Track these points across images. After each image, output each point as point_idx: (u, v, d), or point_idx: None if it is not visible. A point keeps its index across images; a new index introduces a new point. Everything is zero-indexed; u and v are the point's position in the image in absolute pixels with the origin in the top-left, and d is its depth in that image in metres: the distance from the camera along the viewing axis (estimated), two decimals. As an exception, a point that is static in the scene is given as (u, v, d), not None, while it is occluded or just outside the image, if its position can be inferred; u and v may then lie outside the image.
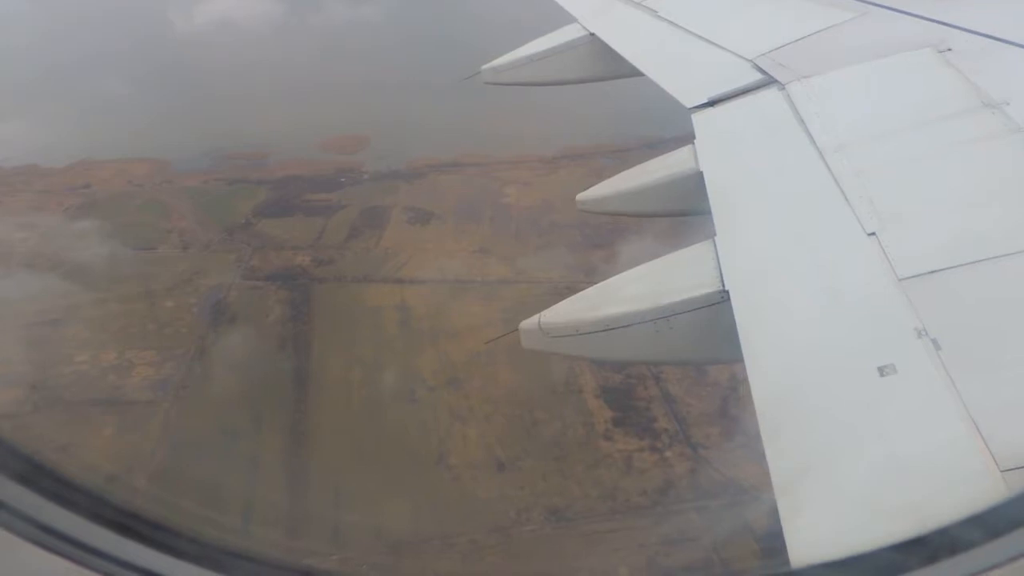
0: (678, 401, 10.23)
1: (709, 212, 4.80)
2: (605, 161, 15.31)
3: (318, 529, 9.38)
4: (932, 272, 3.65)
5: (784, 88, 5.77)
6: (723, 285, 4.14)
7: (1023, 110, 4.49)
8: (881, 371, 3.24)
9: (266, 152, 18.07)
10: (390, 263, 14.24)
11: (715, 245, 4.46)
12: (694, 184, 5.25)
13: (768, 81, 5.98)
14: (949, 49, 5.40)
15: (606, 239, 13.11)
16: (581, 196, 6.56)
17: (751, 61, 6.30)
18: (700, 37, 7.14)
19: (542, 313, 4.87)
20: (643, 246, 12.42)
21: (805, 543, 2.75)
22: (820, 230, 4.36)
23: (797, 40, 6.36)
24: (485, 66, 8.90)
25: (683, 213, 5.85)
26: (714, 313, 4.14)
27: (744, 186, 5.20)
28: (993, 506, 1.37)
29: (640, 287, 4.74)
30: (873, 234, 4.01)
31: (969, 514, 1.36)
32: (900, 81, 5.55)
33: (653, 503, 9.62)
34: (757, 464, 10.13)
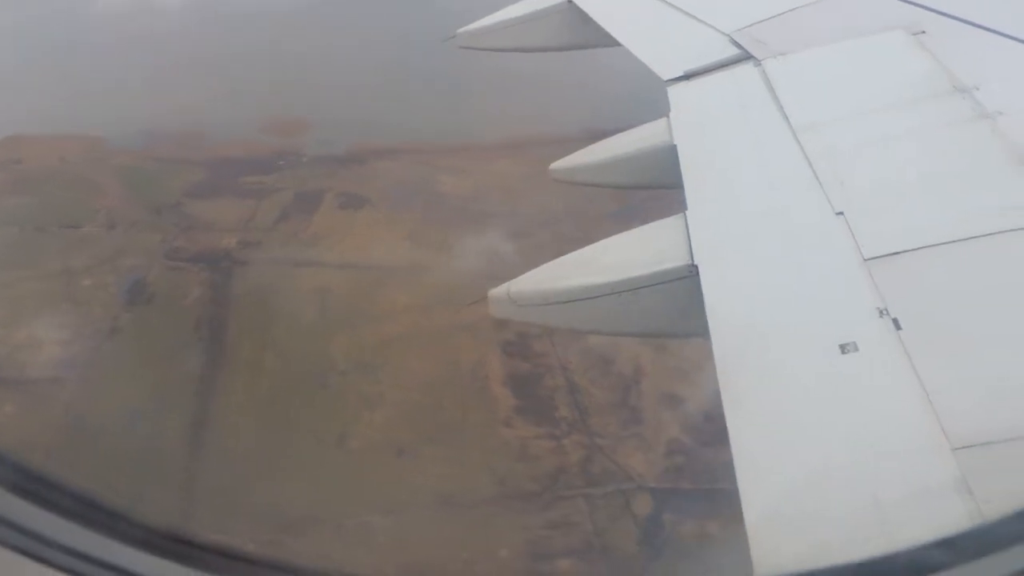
0: (582, 391, 10.38)
1: (682, 186, 4.82)
2: (544, 150, 15.22)
3: (210, 508, 9.39)
4: (896, 253, 3.72)
5: (760, 64, 5.78)
6: (692, 259, 4.18)
7: (992, 95, 4.56)
8: (843, 348, 3.31)
9: (206, 132, 17.65)
10: (317, 247, 14.12)
11: (686, 219, 4.49)
12: (668, 157, 5.26)
13: (744, 56, 5.98)
14: (923, 32, 5.44)
15: (533, 228, 13.14)
16: (555, 166, 6.53)
17: (728, 35, 6.29)
18: (678, 9, 7.10)
19: (511, 281, 4.88)
20: (572, 236, 12.47)
21: (763, 515, 2.82)
22: (789, 208, 4.41)
23: (775, 16, 6.35)
24: (461, 30, 8.76)
25: (656, 186, 5.86)
26: (682, 287, 4.18)
27: (717, 161, 5.23)
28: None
29: (610, 258, 4.76)
30: (841, 213, 4.07)
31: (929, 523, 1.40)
32: (873, 62, 5.59)
33: (542, 489, 9.83)
34: (648, 453, 10.31)
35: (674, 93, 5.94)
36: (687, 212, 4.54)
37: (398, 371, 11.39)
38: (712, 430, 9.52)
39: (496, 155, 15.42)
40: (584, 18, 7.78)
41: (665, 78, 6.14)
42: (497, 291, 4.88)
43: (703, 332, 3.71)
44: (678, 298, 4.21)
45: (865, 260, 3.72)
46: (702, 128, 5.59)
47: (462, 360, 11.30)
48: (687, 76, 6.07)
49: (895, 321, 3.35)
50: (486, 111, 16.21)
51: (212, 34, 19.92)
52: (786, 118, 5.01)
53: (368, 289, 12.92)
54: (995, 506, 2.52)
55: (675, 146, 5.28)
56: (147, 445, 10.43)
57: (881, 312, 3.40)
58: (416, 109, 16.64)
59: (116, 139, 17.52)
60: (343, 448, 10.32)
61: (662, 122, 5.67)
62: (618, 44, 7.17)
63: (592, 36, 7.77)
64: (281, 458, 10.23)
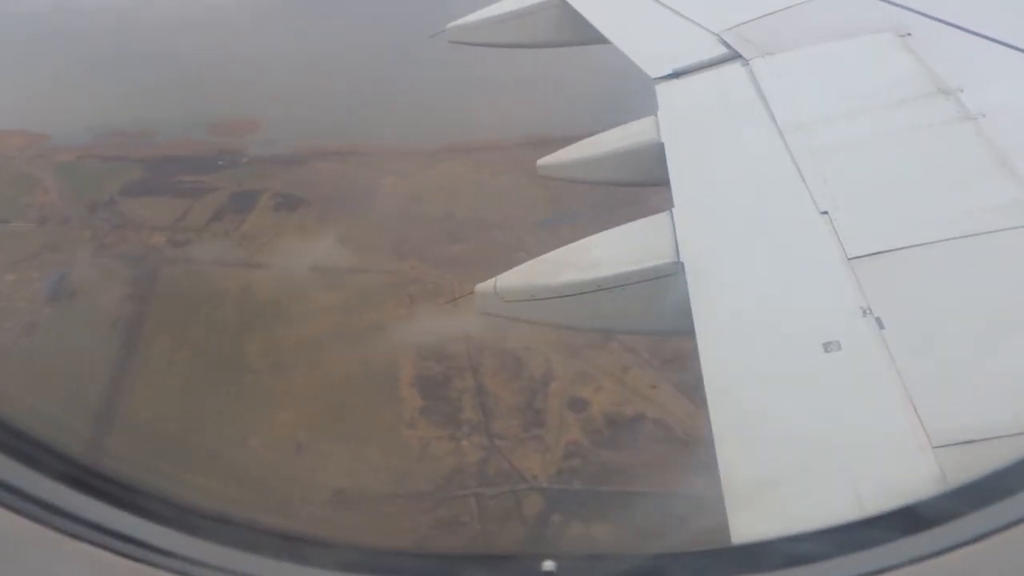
0: (490, 393, 10.44)
1: (668, 183, 4.84)
2: (487, 156, 15.29)
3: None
4: (880, 252, 3.75)
5: (748, 64, 5.80)
6: (678, 257, 4.19)
7: (976, 98, 4.61)
8: (826, 347, 3.34)
9: (153, 130, 17.52)
10: (246, 247, 14.07)
11: (672, 217, 4.50)
12: (655, 155, 5.27)
13: (733, 56, 6.00)
14: (909, 34, 5.48)
15: (466, 234, 13.18)
16: (542, 162, 6.54)
17: (717, 35, 6.32)
18: (668, 7, 7.12)
19: (498, 277, 4.88)
20: (503, 241, 12.53)
21: (745, 509, 2.84)
22: (775, 207, 4.43)
23: (764, 16, 6.38)
24: (450, 24, 8.74)
25: (643, 183, 5.89)
26: (668, 284, 4.20)
27: (703, 159, 5.25)
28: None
29: (596, 255, 4.78)
30: (826, 213, 4.09)
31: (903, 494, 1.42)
32: (860, 63, 5.63)
33: (435, 488, 9.90)
34: (546, 455, 10.38)
35: (662, 91, 5.96)
36: (673, 210, 4.56)
37: (310, 371, 11.39)
38: (612, 433, 9.61)
39: (439, 158, 15.46)
40: (574, 15, 7.78)
41: (653, 76, 6.16)
42: (484, 286, 4.89)
43: (688, 329, 3.73)
44: (664, 295, 4.23)
45: (849, 259, 3.75)
46: (689, 126, 5.61)
47: (375, 361, 11.34)
48: (675, 74, 6.09)
49: (878, 320, 3.38)
50: (461, 111, 16.22)
51: (167, 33, 19.74)
52: (773, 117, 5.04)
53: (291, 289, 12.92)
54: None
55: (662, 144, 5.30)
56: (47, 437, 10.36)
57: (864, 311, 3.43)
58: (383, 110, 16.63)
59: (61, 137, 17.38)
60: (243, 446, 10.28)
61: (650, 120, 5.69)
62: (607, 41, 7.18)
63: (582, 33, 7.77)
64: (179, 455, 10.14)
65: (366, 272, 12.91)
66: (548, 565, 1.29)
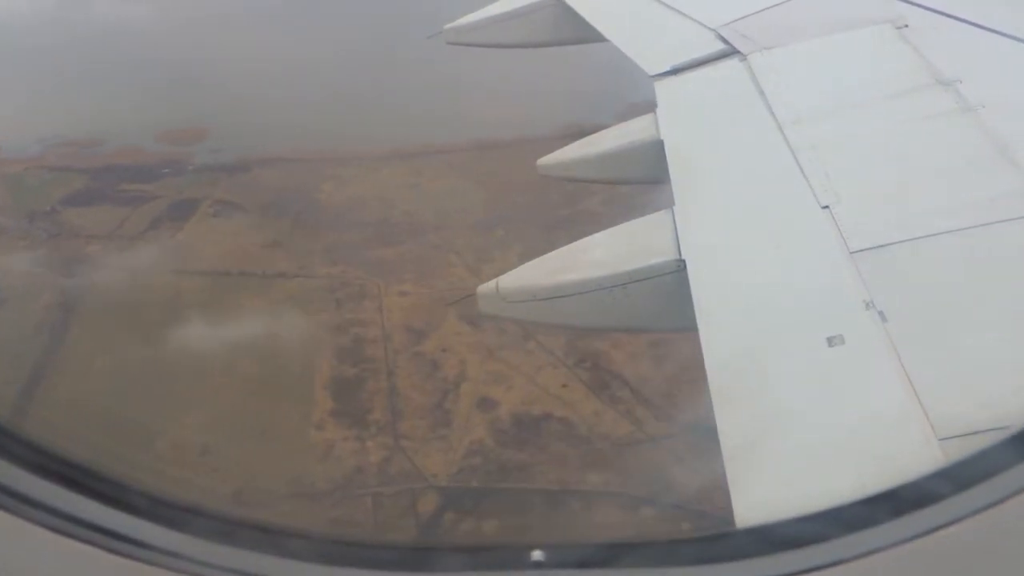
0: (401, 395, 10.45)
1: (669, 181, 4.83)
2: (429, 159, 15.35)
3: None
4: (882, 246, 3.74)
5: (746, 59, 5.79)
6: (680, 254, 4.19)
7: (974, 88, 4.60)
8: (830, 341, 3.33)
9: (101, 140, 17.57)
10: (180, 255, 14.08)
11: (673, 214, 4.50)
12: (655, 152, 5.27)
13: (730, 51, 6.00)
14: (906, 25, 5.47)
15: (399, 237, 13.22)
16: (542, 161, 6.54)
17: (714, 31, 6.31)
18: (665, 4, 7.11)
19: (500, 277, 4.88)
20: (437, 243, 12.57)
21: (750, 505, 2.84)
22: (776, 202, 4.43)
23: (760, 11, 6.37)
24: (447, 26, 8.74)
25: (643, 181, 5.88)
26: (670, 282, 4.20)
27: (703, 156, 5.24)
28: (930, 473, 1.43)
29: (598, 254, 4.77)
30: (827, 207, 4.09)
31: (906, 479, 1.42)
32: (858, 56, 5.62)
33: (334, 488, 9.92)
34: (448, 454, 10.36)
35: (661, 88, 5.95)
36: (674, 207, 4.55)
37: (227, 375, 11.38)
38: (516, 432, 9.63)
39: (383, 164, 15.50)
40: (571, 14, 7.78)
41: (652, 73, 6.16)
42: (486, 287, 4.89)
43: (691, 326, 3.73)
44: (666, 293, 4.22)
45: (851, 253, 3.74)
46: (689, 123, 5.61)
47: (294, 364, 11.35)
48: (674, 71, 6.08)
49: (881, 314, 3.37)
50: (418, 116, 16.19)
51: (119, 43, 19.72)
52: (772, 112, 5.03)
53: (219, 295, 12.93)
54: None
55: (662, 141, 5.30)
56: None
57: (867, 305, 3.43)
58: (334, 117, 16.62)
59: (11, 149, 17.43)
60: (149, 449, 10.27)
61: (649, 117, 5.69)
62: (605, 40, 7.18)
63: (579, 32, 7.77)
64: (87, 456, 10.09)
65: (295, 277, 12.97)
66: (537, 555, 1.29)
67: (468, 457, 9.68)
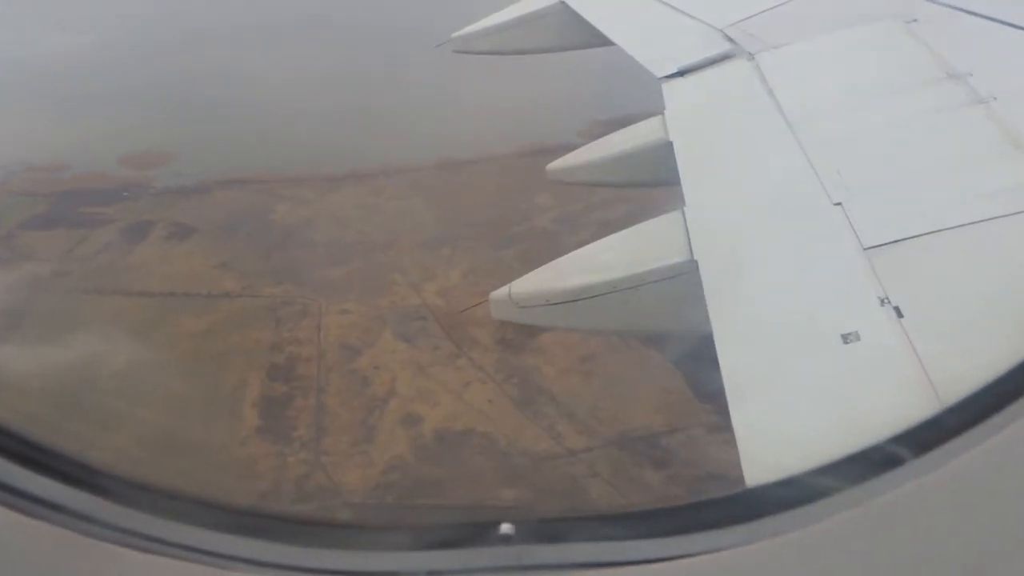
0: (328, 412, 10.40)
1: (679, 182, 4.82)
2: (390, 180, 15.40)
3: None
4: (895, 241, 3.71)
5: (753, 58, 5.78)
6: (692, 255, 4.17)
7: (985, 81, 4.56)
8: (845, 338, 3.30)
9: (67, 165, 17.70)
10: (128, 276, 14.08)
11: (684, 215, 4.48)
12: (664, 154, 5.26)
13: (738, 51, 5.98)
14: (915, 20, 5.44)
15: (348, 258, 13.21)
16: (552, 166, 6.54)
17: (721, 31, 6.30)
18: (671, 6, 7.11)
19: (513, 283, 4.88)
20: (386, 263, 12.59)
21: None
22: (787, 200, 4.40)
23: (767, 10, 6.36)
24: (455, 34, 8.78)
25: (653, 183, 5.87)
26: (682, 283, 4.18)
27: (713, 156, 5.23)
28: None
29: (610, 257, 4.76)
30: (839, 204, 4.06)
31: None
32: (866, 52, 5.59)
33: (248, 506, 9.89)
34: (368, 470, 10.27)
35: (668, 90, 5.94)
36: (685, 208, 4.54)
37: (159, 393, 11.33)
38: (437, 448, 9.58)
39: (341, 185, 15.52)
40: (577, 19, 7.79)
41: (659, 75, 6.15)
42: (498, 293, 4.89)
43: (705, 327, 3.71)
44: (679, 294, 4.20)
45: (865, 249, 3.71)
46: (698, 124, 5.60)
47: (225, 382, 11.29)
48: (681, 72, 6.07)
49: (896, 309, 3.34)
50: (385, 136, 16.22)
51: (85, 67, 19.86)
52: (781, 111, 5.01)
53: (161, 316, 12.91)
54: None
55: (671, 143, 5.28)
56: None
57: (882, 301, 3.40)
58: (298, 139, 16.64)
59: None
60: None
61: (657, 119, 5.68)
62: (612, 43, 7.18)
63: (586, 36, 7.78)
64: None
65: (240, 297, 12.95)
66: (506, 528, 1.29)
67: (387, 473, 9.61)
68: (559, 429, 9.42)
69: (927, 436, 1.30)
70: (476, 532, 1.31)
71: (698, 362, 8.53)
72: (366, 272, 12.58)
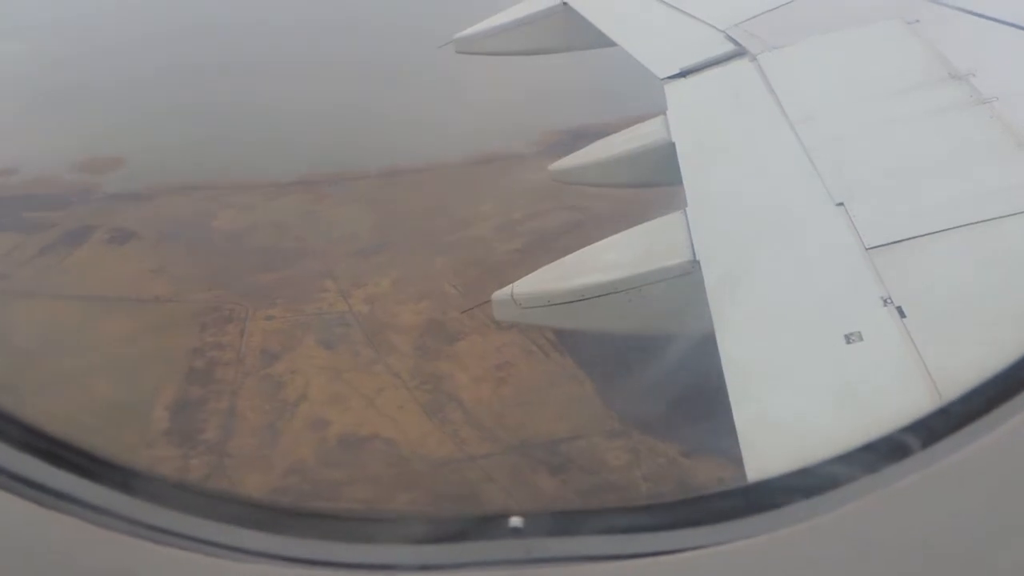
0: (239, 415, 10.41)
1: (681, 183, 4.82)
2: (333, 189, 15.45)
3: None
4: (898, 242, 3.71)
5: (755, 59, 5.78)
6: (694, 255, 4.17)
7: (988, 81, 4.56)
8: (847, 338, 3.30)
9: (16, 169, 17.74)
10: (62, 280, 14.03)
11: (686, 216, 4.48)
12: (666, 155, 5.26)
13: (740, 52, 5.98)
14: (917, 20, 5.44)
15: (282, 264, 13.24)
16: (554, 167, 6.55)
17: (723, 32, 6.30)
18: (673, 7, 7.11)
19: (515, 284, 4.88)
20: (320, 270, 12.64)
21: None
22: (789, 200, 4.40)
23: (769, 10, 6.36)
24: (457, 35, 8.79)
25: (655, 183, 5.87)
26: (685, 283, 4.18)
27: (715, 157, 5.23)
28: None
29: (612, 258, 4.76)
30: (841, 204, 4.06)
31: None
32: (869, 52, 5.59)
33: None
34: (268, 473, 10.24)
35: (671, 90, 5.95)
36: (687, 208, 4.54)
37: (71, 397, 11.29)
38: (339, 453, 9.58)
39: (288, 191, 15.54)
40: (580, 19, 7.80)
41: (661, 76, 6.16)
42: (500, 293, 4.89)
43: (707, 328, 3.71)
44: (681, 294, 4.20)
45: (867, 249, 3.71)
46: (700, 124, 5.60)
47: (142, 386, 11.28)
48: (683, 73, 6.07)
49: (899, 310, 3.33)
50: (343, 140, 16.24)
51: (44, 68, 19.88)
52: (783, 111, 5.01)
53: (87, 320, 12.86)
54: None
55: (673, 143, 5.29)
56: None
57: (885, 301, 3.39)
58: (253, 146, 16.64)
59: None
60: None
61: (658, 120, 5.68)
62: (614, 44, 7.19)
63: (588, 37, 7.79)
64: None
65: (168, 302, 12.92)
66: (515, 521, 1.29)
67: (286, 476, 9.57)
68: (463, 435, 9.42)
69: (930, 430, 1.30)
70: (485, 525, 1.31)
71: (615, 370, 8.57)
72: (297, 279, 12.59)
